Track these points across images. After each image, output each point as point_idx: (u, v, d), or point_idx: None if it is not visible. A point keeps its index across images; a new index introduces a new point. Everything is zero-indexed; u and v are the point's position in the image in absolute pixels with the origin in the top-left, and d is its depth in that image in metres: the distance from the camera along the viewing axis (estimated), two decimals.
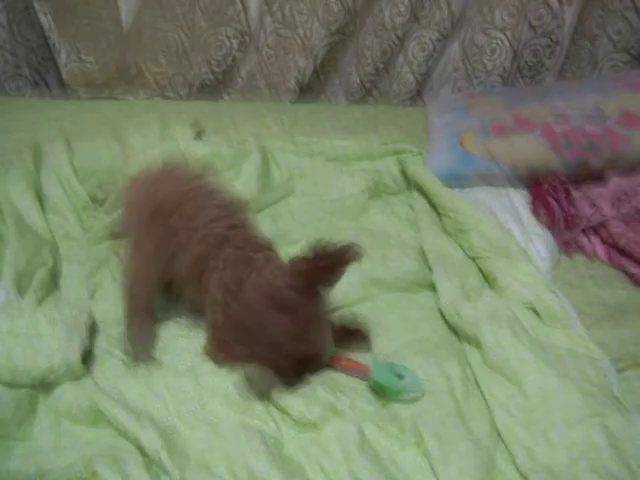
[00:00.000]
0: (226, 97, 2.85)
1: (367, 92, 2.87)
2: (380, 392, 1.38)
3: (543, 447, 1.30)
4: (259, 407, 1.35)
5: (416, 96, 2.88)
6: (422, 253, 1.83)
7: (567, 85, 2.47)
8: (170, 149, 2.00)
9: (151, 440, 1.26)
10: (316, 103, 2.87)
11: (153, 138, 2.12)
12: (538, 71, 2.77)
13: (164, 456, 1.23)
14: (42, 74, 2.71)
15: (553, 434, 1.31)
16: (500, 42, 2.69)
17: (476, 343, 1.51)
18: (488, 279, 1.77)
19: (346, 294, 1.62)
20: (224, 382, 1.39)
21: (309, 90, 2.84)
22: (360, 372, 1.41)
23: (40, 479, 1.20)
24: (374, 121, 2.60)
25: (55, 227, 1.87)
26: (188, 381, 1.39)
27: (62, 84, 2.71)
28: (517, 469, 1.27)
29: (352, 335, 1.49)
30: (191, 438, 1.30)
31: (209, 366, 1.44)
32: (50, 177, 1.96)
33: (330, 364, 1.43)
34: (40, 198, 1.92)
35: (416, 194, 2.11)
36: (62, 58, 2.61)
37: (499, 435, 1.34)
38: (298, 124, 2.52)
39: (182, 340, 1.54)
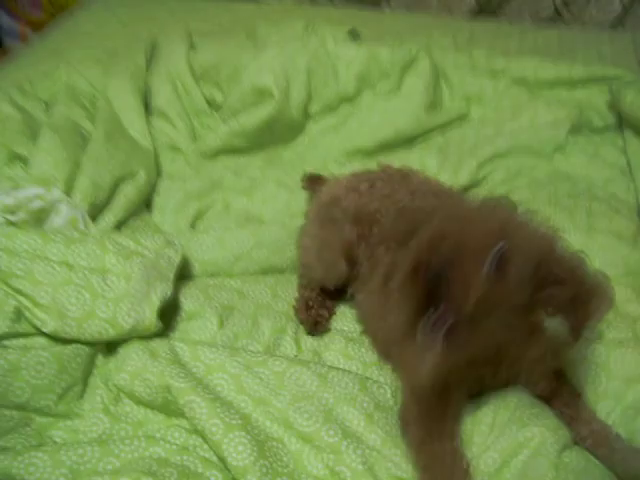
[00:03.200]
0: (386, 9, 2.39)
1: (557, 12, 2.27)
2: None
3: None
4: None
5: (617, 22, 2.24)
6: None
7: None
8: (312, 47, 1.51)
9: (239, 451, 0.83)
10: (496, 22, 2.31)
11: (292, 34, 1.64)
12: None
13: (256, 478, 0.80)
14: None
15: None
16: None
17: None
18: None
19: None
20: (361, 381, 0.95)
21: (487, 6, 2.29)
22: None
23: None
24: (569, 44, 2.01)
25: (158, 133, 1.49)
26: (309, 371, 0.94)
27: None
28: None
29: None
30: (303, 455, 0.85)
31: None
32: (160, 72, 1.55)
33: None
34: (145, 98, 1.51)
35: (630, 133, 1.58)
36: None
37: None
38: (474, 42, 1.96)
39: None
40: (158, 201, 1.32)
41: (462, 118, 1.59)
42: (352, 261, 1.07)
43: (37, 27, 2.38)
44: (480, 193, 1.39)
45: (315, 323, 1.07)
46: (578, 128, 1.58)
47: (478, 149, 1.46)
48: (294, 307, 1.11)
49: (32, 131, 1.29)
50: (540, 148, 1.51)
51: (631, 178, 1.47)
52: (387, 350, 1.02)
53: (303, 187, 1.37)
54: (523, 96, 1.64)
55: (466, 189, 1.39)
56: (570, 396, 0.91)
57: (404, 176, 1.14)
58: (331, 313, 1.11)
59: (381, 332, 1.02)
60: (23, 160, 1.21)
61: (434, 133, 1.55)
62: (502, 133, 1.52)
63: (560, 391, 0.91)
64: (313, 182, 1.34)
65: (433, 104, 1.58)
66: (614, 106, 1.62)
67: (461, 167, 1.40)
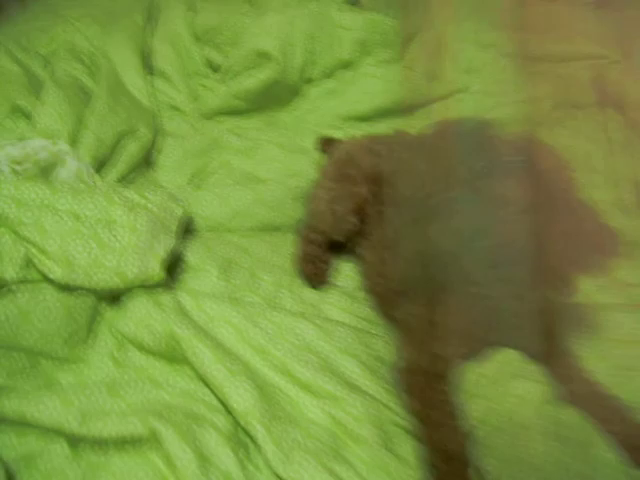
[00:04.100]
0: None
1: None
2: None
3: None
4: None
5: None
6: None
7: None
8: (314, 12, 1.52)
9: (241, 394, 0.87)
10: None
11: None
12: None
13: (257, 422, 0.84)
14: None
15: None
16: None
17: None
18: None
19: None
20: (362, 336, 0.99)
21: None
22: None
23: (81, 426, 0.83)
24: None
25: (159, 93, 1.50)
26: (311, 324, 0.99)
27: None
28: None
29: None
30: (302, 402, 0.89)
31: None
32: (160, 33, 1.56)
33: None
34: (145, 57, 1.52)
35: (611, 110, 1.61)
36: None
37: None
38: (476, 11, 1.97)
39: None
40: (159, 158, 1.34)
41: (461, 90, 1.60)
42: (362, 217, 1.11)
43: None
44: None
45: (316, 275, 1.11)
46: (561, 103, 1.61)
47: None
48: (295, 260, 1.14)
49: (33, 85, 1.30)
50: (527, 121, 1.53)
51: (613, 153, 1.51)
52: (385, 304, 1.06)
53: (317, 149, 1.40)
54: (512, 70, 1.65)
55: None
56: (563, 356, 0.96)
57: (420, 142, 1.17)
58: (330, 267, 1.15)
59: (380, 287, 1.06)
60: (25, 113, 1.22)
61: (433, 104, 1.56)
62: (495, 105, 1.55)
63: (553, 351, 0.96)
64: (327, 144, 1.37)
65: (433, 74, 1.59)
66: (596, 82, 1.66)
67: None
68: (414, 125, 1.45)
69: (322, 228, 1.15)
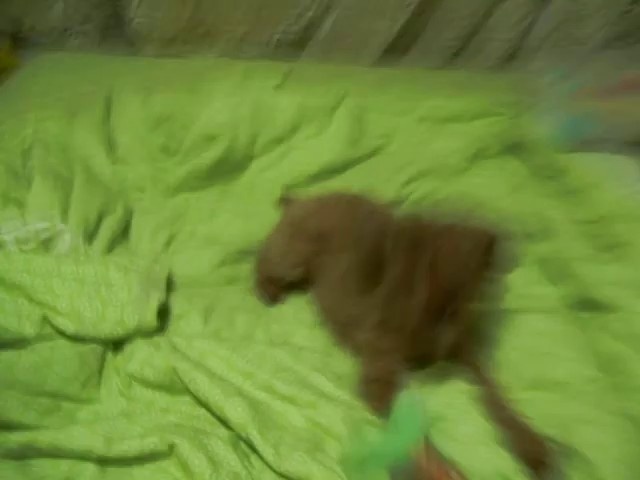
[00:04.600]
0: (302, 58, 2.63)
1: (454, 55, 2.62)
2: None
3: None
4: None
5: (505, 62, 2.62)
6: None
7: None
8: (254, 98, 1.79)
9: (238, 411, 1.06)
10: (399, 67, 2.63)
11: (233, 87, 1.91)
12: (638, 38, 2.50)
13: (254, 431, 1.03)
14: (108, 30, 2.54)
15: None
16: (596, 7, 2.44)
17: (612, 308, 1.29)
18: (612, 245, 1.50)
19: None
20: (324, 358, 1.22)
21: (392, 53, 2.60)
22: None
23: (108, 448, 1.00)
24: (466, 84, 2.33)
25: (124, 177, 1.70)
26: (283, 351, 1.20)
27: (128, 41, 2.54)
28: None
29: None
30: (287, 412, 1.10)
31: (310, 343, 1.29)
32: (119, 125, 1.78)
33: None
34: (108, 146, 1.74)
35: (517, 158, 1.92)
36: (129, 12, 2.44)
37: None
38: (384, 86, 2.28)
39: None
40: (134, 232, 1.53)
41: (378, 152, 1.89)
42: (307, 267, 1.35)
43: None
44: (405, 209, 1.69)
45: (272, 294, 1.37)
46: (475, 155, 1.89)
47: (395, 175, 1.74)
48: (254, 286, 1.41)
49: (17, 180, 1.49)
50: (445, 173, 1.81)
51: (520, 193, 1.77)
52: (338, 333, 1.29)
53: (277, 207, 1.63)
54: (427, 132, 1.93)
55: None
56: (474, 362, 1.20)
57: (354, 200, 1.45)
58: (281, 291, 1.41)
59: (331, 321, 1.30)
60: (17, 203, 1.41)
61: (357, 164, 1.84)
62: (413, 162, 1.82)
63: (467, 358, 1.20)
64: (285, 202, 1.62)
65: (355, 141, 1.87)
66: (503, 135, 1.98)
67: (384, 189, 1.68)
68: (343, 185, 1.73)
69: (275, 270, 1.39)
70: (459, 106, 2.01)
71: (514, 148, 1.93)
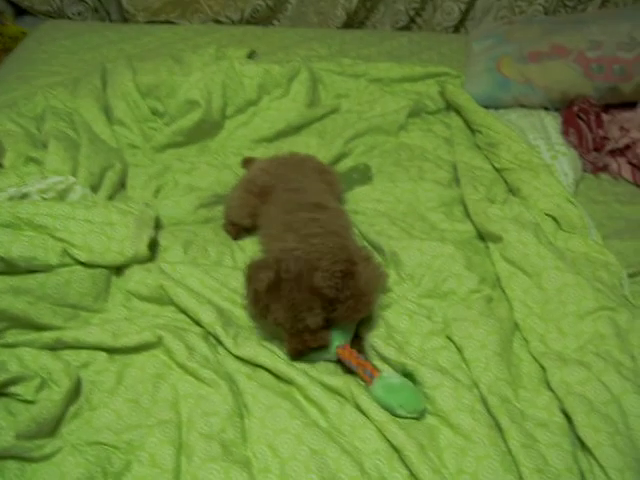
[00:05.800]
0: (276, 23, 2.94)
1: (411, 20, 2.93)
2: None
3: (555, 334, 1.45)
4: None
5: (459, 25, 2.94)
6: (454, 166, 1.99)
7: (604, 13, 2.49)
8: (225, 68, 2.14)
9: (208, 315, 1.43)
10: (362, 30, 2.95)
11: (209, 58, 2.26)
12: (580, 1, 2.80)
13: (219, 328, 1.42)
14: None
15: (564, 323, 1.46)
16: None
17: (499, 239, 1.65)
18: (512, 189, 1.90)
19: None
20: None
21: (356, 17, 2.92)
22: (367, 373, 1.33)
23: (114, 341, 1.39)
24: (417, 47, 2.67)
25: (120, 137, 2.06)
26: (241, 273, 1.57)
27: (121, 10, 2.86)
28: (530, 353, 1.44)
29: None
30: (244, 315, 1.49)
31: None
32: (115, 92, 2.12)
33: (340, 354, 1.38)
34: (106, 111, 2.09)
35: (453, 114, 2.26)
36: None
37: (516, 324, 1.50)
38: (344, 49, 2.63)
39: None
40: (130, 182, 1.89)
41: (334, 111, 2.25)
42: (254, 217, 1.70)
43: None
44: (347, 163, 2.06)
45: (236, 234, 1.75)
46: (417, 112, 2.24)
47: (344, 131, 2.08)
48: (223, 225, 1.77)
49: (34, 142, 1.86)
50: (388, 128, 2.15)
51: (451, 144, 2.12)
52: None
53: (242, 166, 1.97)
54: (377, 91, 2.29)
55: (337, 159, 2.03)
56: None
57: (301, 161, 1.80)
58: (242, 231, 1.76)
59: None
60: (35, 161, 1.78)
61: (314, 123, 2.20)
62: (362, 119, 2.17)
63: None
64: (248, 162, 1.96)
65: (313, 102, 2.24)
66: (442, 94, 2.33)
67: (333, 145, 2.03)
68: (301, 141, 2.09)
69: (232, 215, 1.75)
70: (406, 69, 2.36)
71: (449, 106, 2.28)
